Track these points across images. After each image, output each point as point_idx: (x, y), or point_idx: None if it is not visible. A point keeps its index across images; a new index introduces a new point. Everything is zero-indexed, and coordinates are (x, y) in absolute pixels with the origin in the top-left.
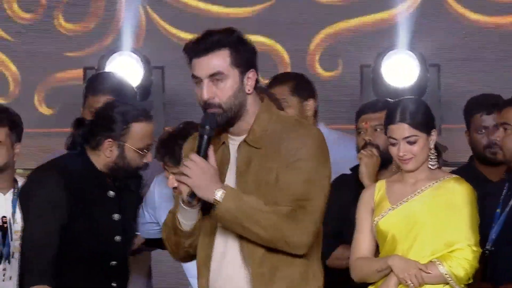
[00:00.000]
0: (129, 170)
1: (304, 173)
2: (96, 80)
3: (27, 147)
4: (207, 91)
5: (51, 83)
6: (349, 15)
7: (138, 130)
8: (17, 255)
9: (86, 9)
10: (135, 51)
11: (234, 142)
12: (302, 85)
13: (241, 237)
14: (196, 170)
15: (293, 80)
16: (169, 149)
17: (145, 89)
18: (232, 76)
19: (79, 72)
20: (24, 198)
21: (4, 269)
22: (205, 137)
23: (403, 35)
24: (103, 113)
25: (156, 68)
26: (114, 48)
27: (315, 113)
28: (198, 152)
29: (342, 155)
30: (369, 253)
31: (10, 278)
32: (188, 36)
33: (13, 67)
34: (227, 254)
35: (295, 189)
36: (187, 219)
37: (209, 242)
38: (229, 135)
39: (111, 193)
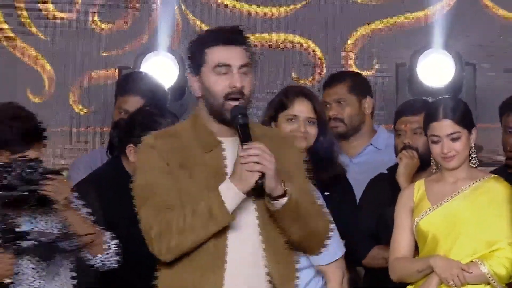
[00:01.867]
0: None
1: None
2: (125, 81)
3: (62, 146)
4: (241, 80)
5: (86, 82)
6: (384, 14)
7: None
8: None
9: (121, 8)
10: (171, 51)
11: (228, 143)
12: (359, 84)
13: (262, 236)
14: (268, 157)
15: (351, 78)
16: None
17: (181, 90)
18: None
19: (114, 72)
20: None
21: None
22: (245, 124)
23: (438, 34)
24: (128, 119)
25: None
26: (149, 48)
27: (373, 111)
28: (248, 141)
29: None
30: (408, 253)
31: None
32: None
33: (48, 66)
34: (245, 254)
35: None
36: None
37: (219, 243)
38: (221, 137)
39: None
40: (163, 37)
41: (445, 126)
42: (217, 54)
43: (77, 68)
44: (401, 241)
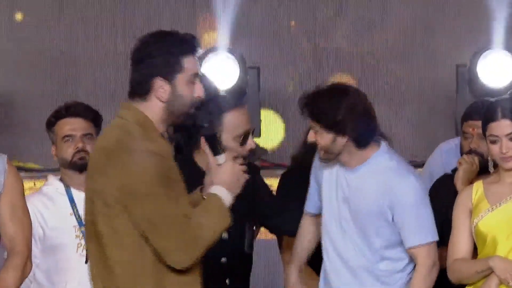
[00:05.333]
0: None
1: None
2: None
3: None
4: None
5: None
6: (445, 14)
7: (231, 120)
8: None
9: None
10: (230, 50)
11: None
12: None
13: None
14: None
15: None
16: None
17: (241, 89)
18: None
19: None
20: None
21: None
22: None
23: (499, 34)
24: (196, 112)
25: (252, 68)
26: (209, 48)
27: None
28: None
29: None
30: (467, 254)
31: None
32: None
33: None
34: None
35: None
36: None
37: None
38: None
39: None
40: (224, 37)
41: (503, 126)
42: (194, 63)
43: None
44: (460, 243)
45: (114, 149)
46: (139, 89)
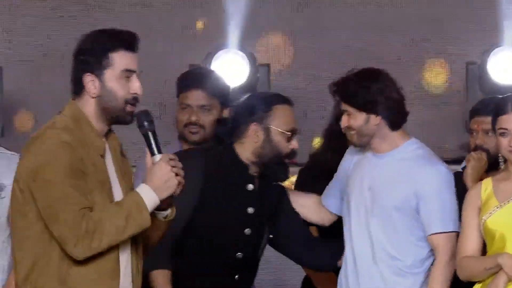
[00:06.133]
0: (276, 154)
1: None
2: (183, 78)
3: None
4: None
5: None
6: (454, 11)
7: (281, 113)
8: None
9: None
10: (241, 48)
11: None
12: None
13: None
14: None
15: None
16: None
17: (252, 88)
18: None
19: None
20: None
21: None
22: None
23: (509, 32)
24: (243, 103)
25: (262, 66)
26: (220, 46)
27: None
28: (160, 149)
29: None
30: (476, 252)
31: None
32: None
33: None
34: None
35: None
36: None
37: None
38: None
39: (250, 186)
40: (234, 35)
41: None
42: (124, 59)
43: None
44: (469, 240)
45: (33, 137)
46: (74, 87)
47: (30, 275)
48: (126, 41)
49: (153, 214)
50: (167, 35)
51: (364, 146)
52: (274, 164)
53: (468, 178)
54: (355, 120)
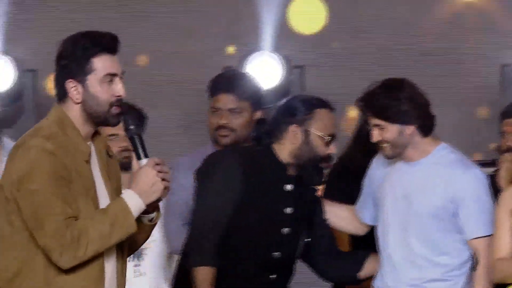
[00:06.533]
0: (314, 157)
1: None
2: (214, 81)
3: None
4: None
5: None
6: (488, 13)
7: (322, 117)
8: (147, 251)
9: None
10: (275, 50)
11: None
12: None
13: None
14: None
15: None
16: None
17: (284, 89)
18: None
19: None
20: (200, 177)
21: (136, 265)
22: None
23: None
24: (284, 104)
25: (296, 68)
26: (254, 48)
27: None
28: (147, 153)
29: None
30: (509, 253)
31: (141, 274)
32: None
33: None
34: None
35: None
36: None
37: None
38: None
39: (288, 186)
40: (267, 37)
41: None
42: (106, 63)
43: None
44: (502, 242)
45: (16, 145)
46: (58, 92)
47: (14, 281)
48: (107, 44)
49: (138, 218)
50: (204, 37)
51: (396, 157)
52: (310, 167)
53: (503, 181)
54: (388, 132)
